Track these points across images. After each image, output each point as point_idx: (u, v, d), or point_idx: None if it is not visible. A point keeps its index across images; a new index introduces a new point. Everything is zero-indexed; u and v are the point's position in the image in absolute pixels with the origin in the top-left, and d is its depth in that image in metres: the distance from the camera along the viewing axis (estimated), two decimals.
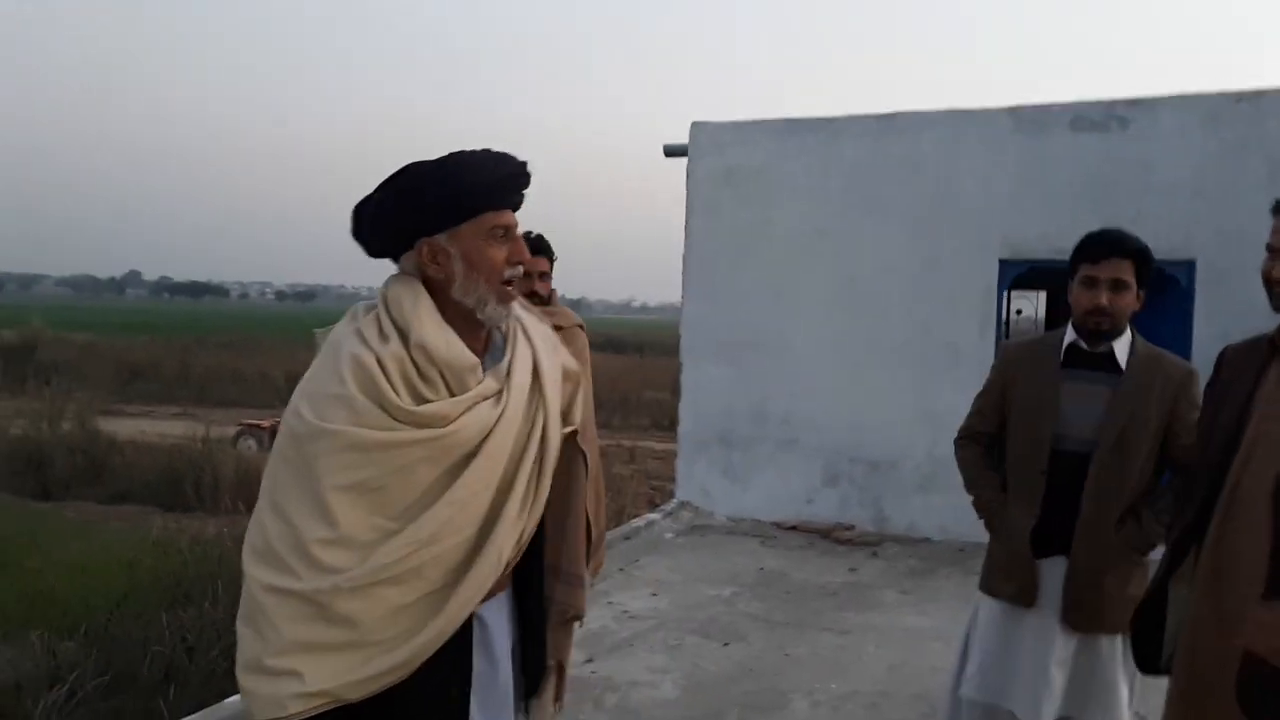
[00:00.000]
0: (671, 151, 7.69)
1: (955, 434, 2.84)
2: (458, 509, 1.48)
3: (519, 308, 1.68)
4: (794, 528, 7.24)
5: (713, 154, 7.50)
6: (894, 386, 7.01)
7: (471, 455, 1.50)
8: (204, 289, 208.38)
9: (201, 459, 10.91)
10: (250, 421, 14.75)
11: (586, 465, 3.20)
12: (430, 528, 1.46)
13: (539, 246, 3.18)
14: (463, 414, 1.50)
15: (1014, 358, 2.72)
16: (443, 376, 1.50)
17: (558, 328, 3.26)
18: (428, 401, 1.48)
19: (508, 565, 1.57)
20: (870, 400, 7.07)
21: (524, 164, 1.59)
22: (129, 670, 5.10)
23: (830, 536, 7.05)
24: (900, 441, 6.95)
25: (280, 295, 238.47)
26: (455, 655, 1.53)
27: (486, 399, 1.53)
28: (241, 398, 19.41)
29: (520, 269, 1.58)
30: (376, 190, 1.53)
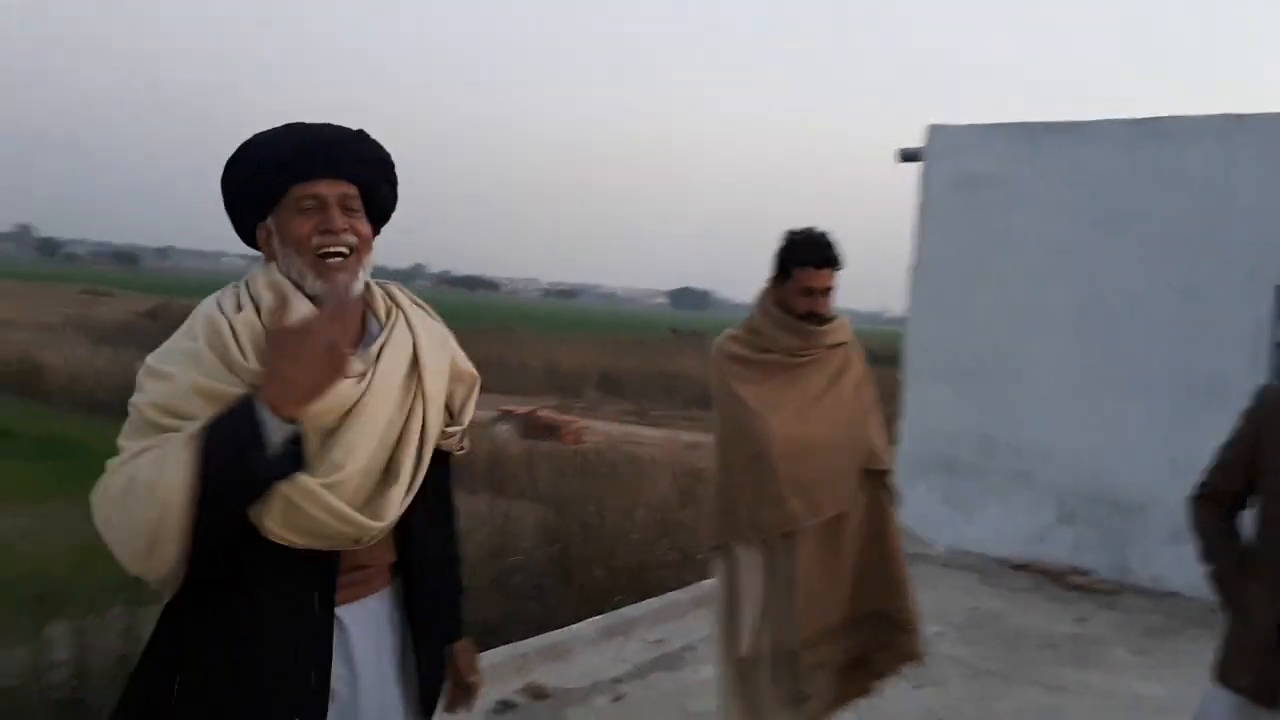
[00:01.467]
0: (907, 156, 7.34)
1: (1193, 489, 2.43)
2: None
3: (406, 300, 1.66)
4: (1022, 567, 6.68)
5: (949, 159, 7.08)
6: (1145, 423, 6.30)
7: (331, 433, 1.44)
8: (478, 283, 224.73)
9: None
10: (507, 408, 15.60)
11: (891, 502, 2.96)
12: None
13: (828, 256, 2.82)
14: None
15: (1274, 405, 2.28)
16: None
17: (838, 344, 2.96)
18: None
19: (373, 562, 1.56)
20: (1115, 436, 6.39)
21: (329, 131, 1.55)
22: None
23: (1061, 581, 6.45)
24: (1150, 483, 6.22)
25: (545, 292, 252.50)
26: (314, 659, 1.47)
27: (349, 378, 1.44)
28: (502, 385, 20.77)
29: (332, 239, 1.50)
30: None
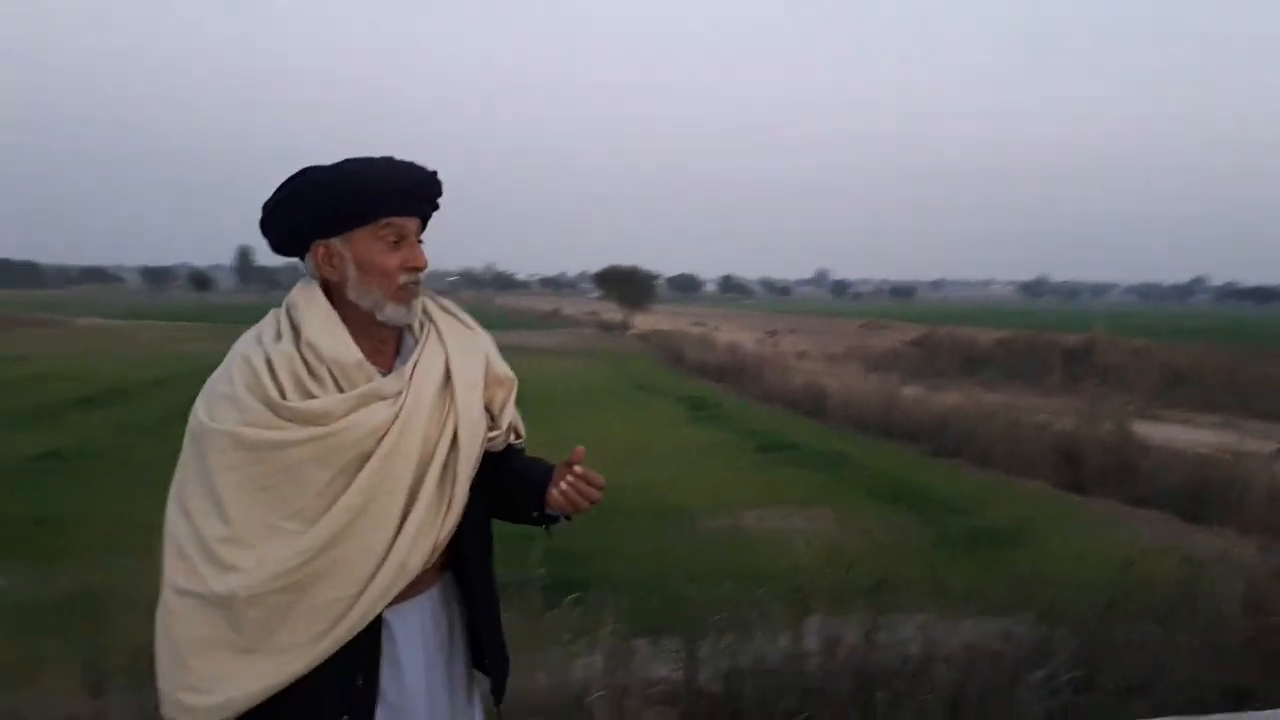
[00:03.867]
0: None
1: None
2: (355, 514, 1.45)
3: (439, 311, 1.67)
4: None
5: None
6: None
7: (367, 457, 1.47)
8: (1273, 294, 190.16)
9: (1232, 472, 9.98)
10: None
11: None
12: (326, 533, 1.43)
13: None
14: (350, 412, 1.47)
15: None
16: (332, 375, 1.49)
17: None
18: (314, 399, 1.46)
19: (424, 569, 1.53)
20: None
21: (430, 175, 1.58)
22: (1107, 670, 4.95)
23: None
24: None
25: None
26: (361, 662, 1.49)
27: (384, 399, 1.50)
28: None
29: (416, 275, 1.56)
30: (277, 189, 1.55)
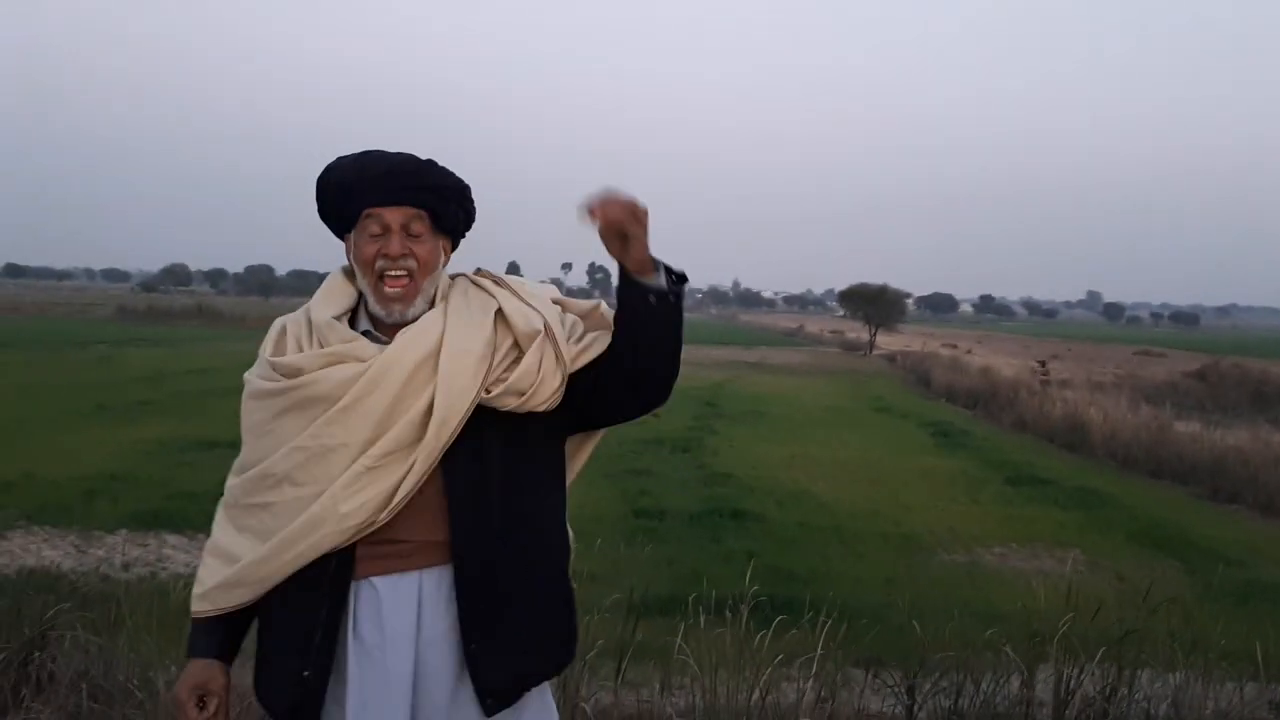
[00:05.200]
0: None
1: None
2: (308, 455, 1.55)
3: (461, 289, 1.68)
4: None
5: None
6: None
7: (335, 404, 1.56)
8: None
9: None
10: None
11: None
12: (282, 465, 1.56)
13: None
14: (321, 368, 1.58)
15: None
16: (319, 341, 1.62)
17: None
18: None
19: (366, 531, 1.54)
20: None
21: (397, 159, 1.62)
22: None
23: None
24: None
25: None
26: (320, 622, 1.55)
27: (360, 361, 1.58)
28: None
29: (390, 263, 1.60)
30: None
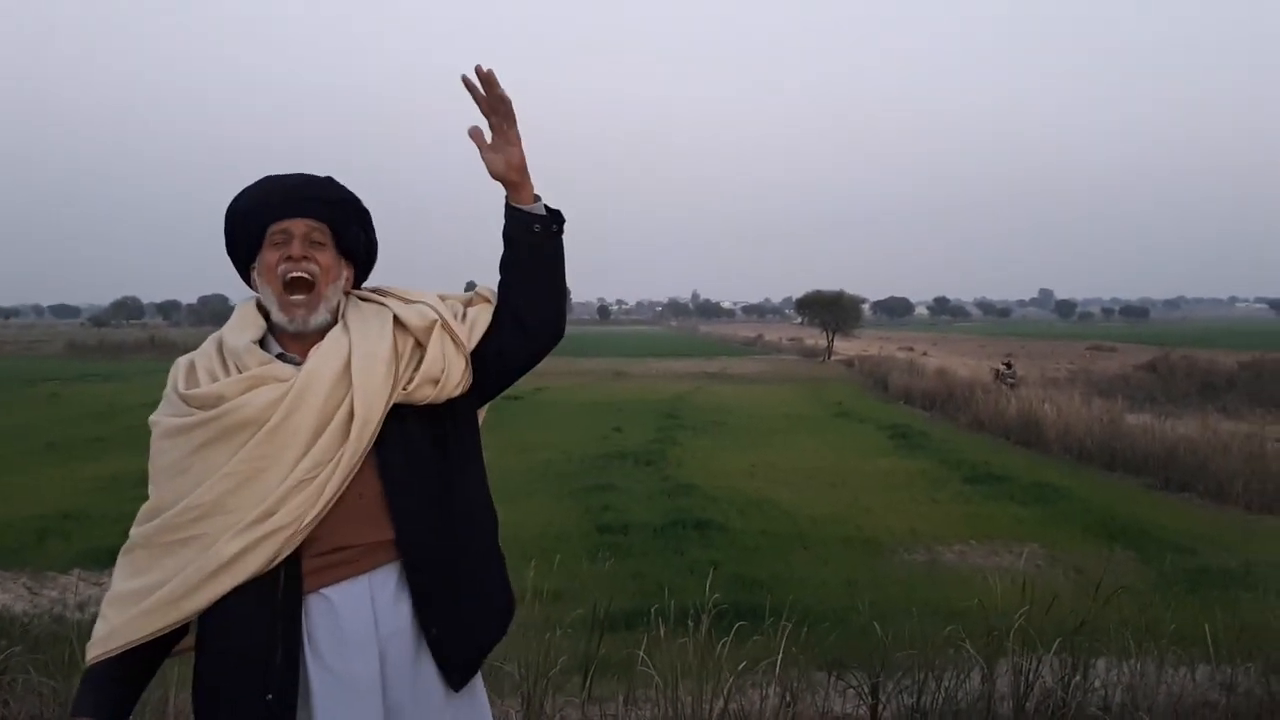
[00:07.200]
0: None
1: None
2: (239, 480, 1.54)
3: (357, 303, 1.74)
4: None
5: None
6: None
7: (263, 427, 1.56)
8: None
9: None
10: None
11: None
12: (210, 494, 1.54)
13: None
14: (243, 393, 1.58)
15: None
16: (237, 365, 1.63)
17: None
18: None
19: (356, 546, 1.58)
20: None
21: (297, 177, 1.70)
22: None
23: None
24: None
25: None
26: (281, 639, 1.53)
27: (283, 381, 1.60)
28: None
29: (293, 265, 1.65)
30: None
